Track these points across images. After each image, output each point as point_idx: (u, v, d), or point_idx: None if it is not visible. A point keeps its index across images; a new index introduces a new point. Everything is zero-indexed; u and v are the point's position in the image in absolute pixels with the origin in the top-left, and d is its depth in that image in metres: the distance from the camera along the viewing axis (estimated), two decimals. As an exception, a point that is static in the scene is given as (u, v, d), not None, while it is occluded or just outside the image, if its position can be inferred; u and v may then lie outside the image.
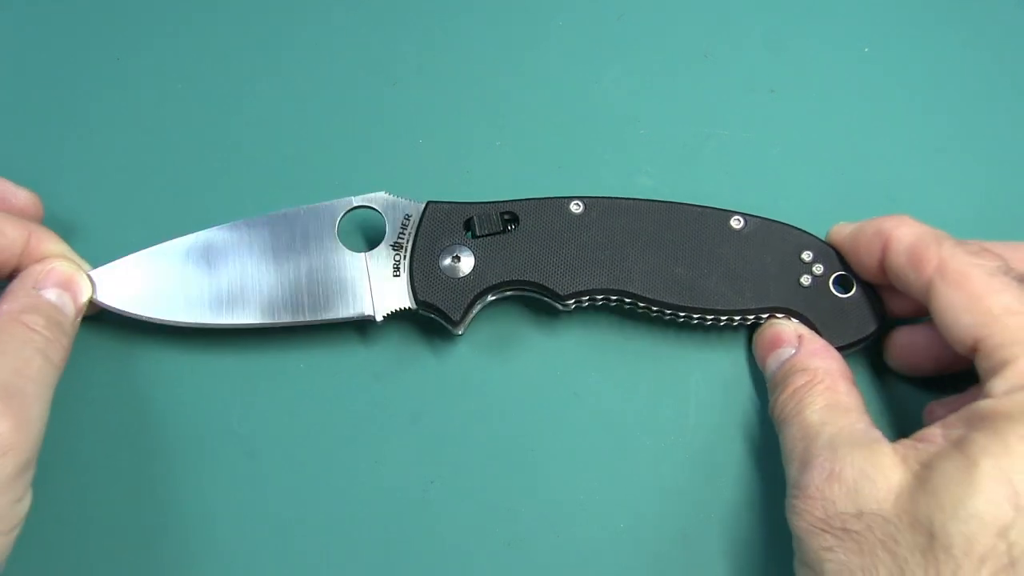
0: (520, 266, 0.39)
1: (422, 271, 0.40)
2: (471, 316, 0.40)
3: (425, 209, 0.40)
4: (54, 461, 0.39)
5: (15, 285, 0.38)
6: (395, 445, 0.40)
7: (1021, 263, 0.35)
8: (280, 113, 0.46)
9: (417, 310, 0.40)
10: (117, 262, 0.41)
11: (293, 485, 0.39)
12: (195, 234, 0.41)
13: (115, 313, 0.40)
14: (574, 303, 0.40)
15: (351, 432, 0.40)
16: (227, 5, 0.48)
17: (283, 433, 0.40)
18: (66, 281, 0.38)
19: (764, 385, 0.40)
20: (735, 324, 0.40)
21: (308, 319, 0.40)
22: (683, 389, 0.40)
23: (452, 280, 0.39)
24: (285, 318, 0.40)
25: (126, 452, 0.40)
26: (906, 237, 0.36)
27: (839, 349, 0.39)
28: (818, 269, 0.39)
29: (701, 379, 0.40)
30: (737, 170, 0.44)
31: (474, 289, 0.39)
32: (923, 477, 0.31)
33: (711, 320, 0.39)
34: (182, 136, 0.45)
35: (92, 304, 0.40)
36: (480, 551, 0.38)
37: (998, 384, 0.32)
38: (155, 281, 0.41)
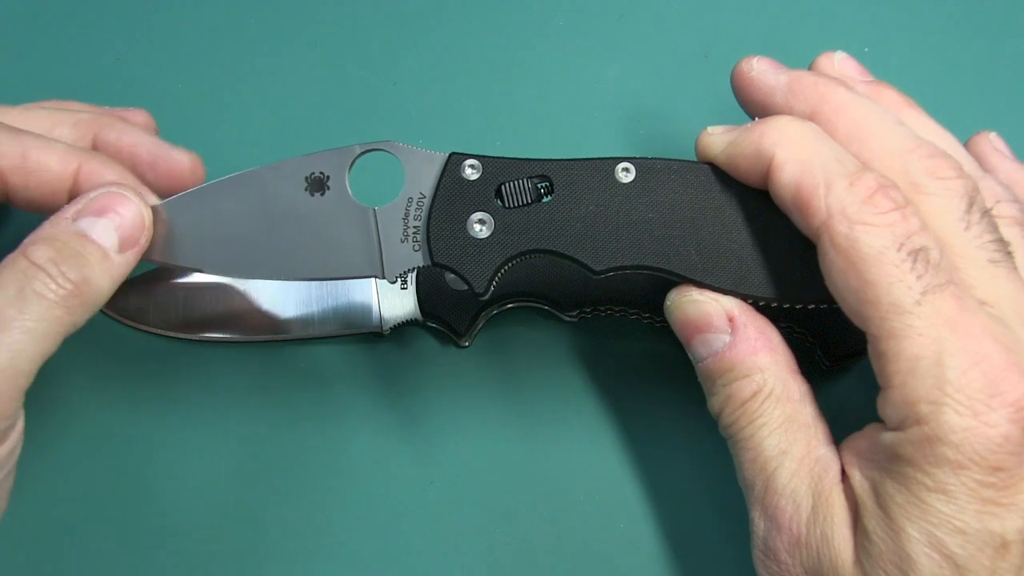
0: (524, 277, 0.39)
1: (429, 283, 0.40)
2: (476, 329, 0.40)
3: None
4: (46, 461, 0.39)
5: (54, 214, 0.32)
6: (395, 445, 0.40)
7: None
8: (280, 114, 0.46)
9: (424, 322, 0.40)
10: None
11: (293, 485, 0.39)
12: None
13: (125, 325, 0.41)
14: (578, 314, 0.40)
15: (351, 431, 0.40)
16: (227, 5, 0.48)
17: (283, 432, 0.40)
18: (103, 207, 0.32)
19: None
20: None
21: (317, 333, 0.40)
22: (683, 388, 0.40)
23: (458, 292, 0.39)
24: (295, 332, 0.40)
25: (123, 452, 0.40)
26: (788, 173, 0.30)
27: (838, 361, 0.38)
28: None
29: (701, 379, 0.40)
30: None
31: (479, 301, 0.39)
32: (865, 545, 0.29)
33: None
34: (181, 137, 0.45)
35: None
36: (480, 551, 0.38)
37: (887, 405, 0.29)
38: (166, 296, 0.41)
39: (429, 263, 0.33)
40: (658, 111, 0.46)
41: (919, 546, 0.28)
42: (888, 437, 0.29)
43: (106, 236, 0.32)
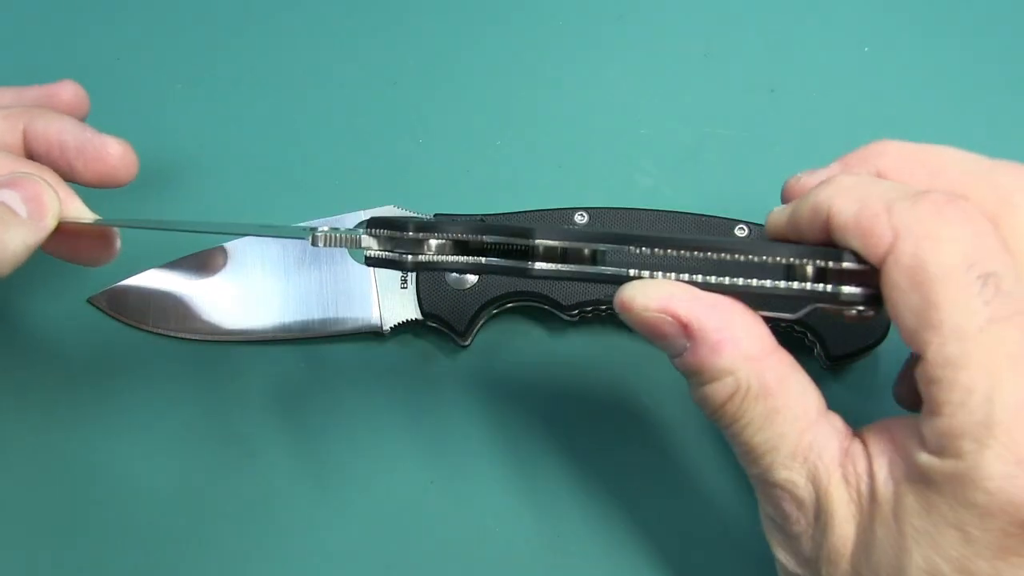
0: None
1: (429, 283, 0.40)
2: (477, 328, 0.40)
3: None
4: (44, 460, 0.39)
5: None
6: (395, 445, 0.40)
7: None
8: (279, 114, 0.46)
9: (424, 322, 0.40)
10: (125, 281, 0.42)
11: (293, 485, 0.39)
12: (206, 250, 0.42)
13: (125, 325, 0.41)
14: (578, 313, 0.40)
15: (351, 432, 0.40)
16: (226, 6, 0.48)
17: (283, 433, 0.40)
18: (9, 182, 0.33)
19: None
20: None
21: (317, 333, 0.41)
22: (683, 388, 0.40)
23: (458, 292, 0.39)
24: (295, 332, 0.41)
25: (121, 452, 0.40)
26: (847, 213, 0.28)
27: (842, 359, 0.38)
28: None
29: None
30: (737, 170, 0.44)
31: (479, 300, 0.40)
32: (866, 543, 0.28)
33: None
34: (181, 136, 0.45)
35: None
36: (480, 551, 0.38)
37: (929, 430, 0.26)
38: (165, 297, 0.41)
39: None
40: (658, 111, 0.46)
41: (920, 573, 0.27)
42: (924, 458, 0.27)
43: (12, 200, 0.33)
